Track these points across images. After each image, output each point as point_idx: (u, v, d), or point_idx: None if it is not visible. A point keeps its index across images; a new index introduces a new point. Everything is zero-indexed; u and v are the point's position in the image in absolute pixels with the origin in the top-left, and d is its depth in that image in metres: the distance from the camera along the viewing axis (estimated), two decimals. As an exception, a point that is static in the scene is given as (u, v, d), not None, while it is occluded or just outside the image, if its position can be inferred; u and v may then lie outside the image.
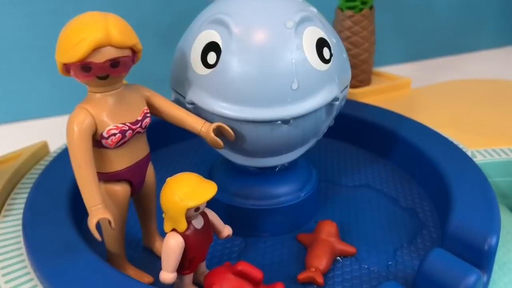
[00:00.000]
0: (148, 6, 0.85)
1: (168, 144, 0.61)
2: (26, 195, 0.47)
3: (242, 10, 0.38)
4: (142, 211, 0.41)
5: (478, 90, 0.74)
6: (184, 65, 0.39)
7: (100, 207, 0.34)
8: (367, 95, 0.71)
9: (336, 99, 0.39)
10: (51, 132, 0.64)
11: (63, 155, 0.51)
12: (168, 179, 0.35)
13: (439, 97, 0.71)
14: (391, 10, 1.02)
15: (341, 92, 0.40)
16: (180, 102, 0.41)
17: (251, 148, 0.40)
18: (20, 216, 0.44)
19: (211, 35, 0.38)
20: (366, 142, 0.59)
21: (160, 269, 0.36)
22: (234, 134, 0.38)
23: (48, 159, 0.53)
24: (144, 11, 0.85)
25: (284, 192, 0.44)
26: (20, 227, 0.42)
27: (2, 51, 0.80)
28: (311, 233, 0.43)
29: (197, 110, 0.39)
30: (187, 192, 0.34)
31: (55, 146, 0.56)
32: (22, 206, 0.45)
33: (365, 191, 0.51)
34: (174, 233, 0.35)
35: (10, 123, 0.84)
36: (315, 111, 0.38)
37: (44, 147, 0.54)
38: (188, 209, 0.34)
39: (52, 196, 0.44)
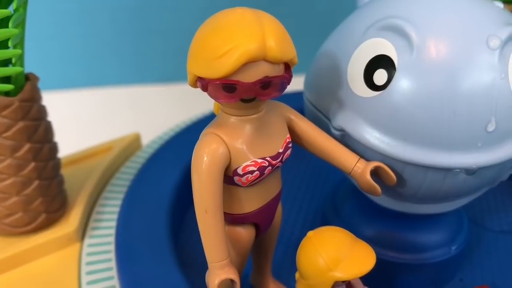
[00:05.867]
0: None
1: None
2: (117, 202, 0.40)
3: (428, 16, 0.28)
4: (259, 251, 0.34)
5: None
6: (334, 79, 0.30)
7: (225, 263, 0.26)
8: None
9: (535, 144, 0.30)
10: (142, 119, 0.57)
11: (159, 155, 0.44)
12: (311, 233, 0.27)
13: None
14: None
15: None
16: (315, 119, 0.33)
17: (408, 194, 0.31)
18: (111, 232, 0.37)
19: (382, 46, 0.28)
20: None
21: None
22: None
23: (142, 155, 0.46)
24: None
25: (432, 244, 0.35)
26: (111, 247, 0.36)
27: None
28: (462, 300, 0.35)
29: (344, 139, 0.31)
30: (337, 259, 0.26)
31: (147, 139, 0.49)
32: (113, 217, 0.39)
33: (518, 241, 0.41)
34: (311, 302, 0.27)
35: (91, 88, 0.77)
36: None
37: (136, 139, 0.47)
38: (337, 281, 0.26)
39: (149, 214, 0.37)
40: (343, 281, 0.27)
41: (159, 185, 0.40)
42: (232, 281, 0.27)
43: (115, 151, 0.45)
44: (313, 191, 0.44)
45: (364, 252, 0.27)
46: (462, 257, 0.38)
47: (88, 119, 0.66)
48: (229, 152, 0.26)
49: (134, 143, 0.47)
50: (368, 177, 0.28)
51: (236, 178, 0.26)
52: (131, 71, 0.77)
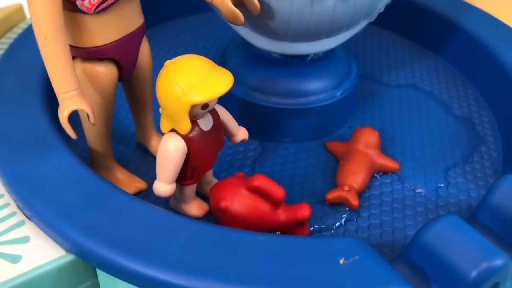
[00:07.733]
0: None
1: (169, 17, 0.50)
2: (-7, 70, 0.38)
3: None
4: (135, 101, 0.32)
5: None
6: None
7: (75, 94, 0.25)
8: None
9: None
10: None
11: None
12: (168, 62, 0.26)
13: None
14: None
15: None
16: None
17: (280, 28, 0.30)
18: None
19: None
20: (414, 32, 0.48)
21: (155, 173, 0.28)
22: (260, 6, 0.28)
23: (23, 26, 0.43)
24: None
25: (316, 89, 0.35)
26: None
27: None
28: (345, 142, 0.35)
29: (210, -30, 0.29)
30: (192, 83, 0.25)
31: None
32: (-12, 83, 0.37)
33: (412, 92, 0.42)
34: (173, 134, 0.27)
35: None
36: (374, -19, 0.28)
37: (18, 10, 0.44)
38: (194, 106, 0.25)
39: (23, 74, 0.35)
40: (203, 108, 0.26)
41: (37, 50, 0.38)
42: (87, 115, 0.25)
43: (-7, 22, 0.41)
44: (204, 48, 0.43)
45: (221, 76, 0.26)
46: (349, 105, 0.38)
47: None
48: (65, -30, 0.24)
49: (16, 14, 0.43)
50: (228, 3, 0.27)
51: (78, 3, 0.24)
52: None
